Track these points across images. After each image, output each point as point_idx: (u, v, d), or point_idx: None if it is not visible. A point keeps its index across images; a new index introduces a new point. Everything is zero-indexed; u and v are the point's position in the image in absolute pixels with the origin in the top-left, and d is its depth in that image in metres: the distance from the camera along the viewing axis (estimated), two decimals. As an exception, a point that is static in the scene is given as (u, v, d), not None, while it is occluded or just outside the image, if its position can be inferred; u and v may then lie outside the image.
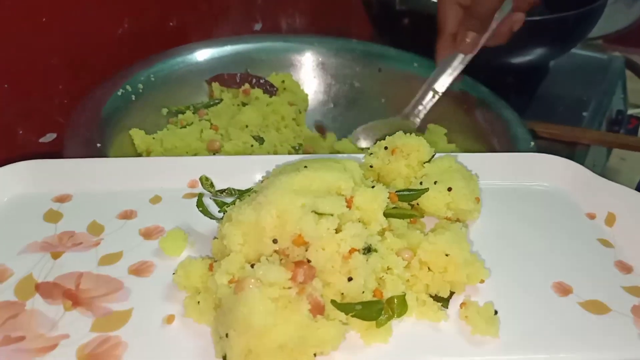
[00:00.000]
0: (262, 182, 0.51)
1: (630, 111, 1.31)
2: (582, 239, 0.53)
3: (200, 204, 0.52)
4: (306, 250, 0.41)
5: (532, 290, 0.47)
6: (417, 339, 0.42)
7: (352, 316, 0.41)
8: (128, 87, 0.81)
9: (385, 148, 0.55)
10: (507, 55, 1.03)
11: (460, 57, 0.81)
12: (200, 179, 0.55)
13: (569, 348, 0.42)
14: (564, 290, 0.47)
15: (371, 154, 0.56)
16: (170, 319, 0.42)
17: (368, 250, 0.43)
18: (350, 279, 0.41)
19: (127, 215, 0.52)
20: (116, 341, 0.40)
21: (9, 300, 0.42)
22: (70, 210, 0.52)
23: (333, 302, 0.41)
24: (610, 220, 0.56)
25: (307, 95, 0.97)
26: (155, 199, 0.54)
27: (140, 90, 0.83)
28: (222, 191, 0.55)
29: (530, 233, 0.53)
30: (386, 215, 0.46)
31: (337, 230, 0.41)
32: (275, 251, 0.42)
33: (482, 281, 0.46)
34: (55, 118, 0.79)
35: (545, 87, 1.05)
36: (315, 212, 0.41)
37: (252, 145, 0.79)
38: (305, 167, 0.47)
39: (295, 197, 0.42)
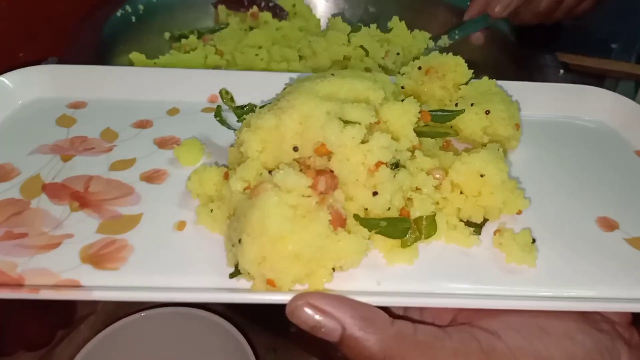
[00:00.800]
0: (285, 89, 0.47)
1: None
2: (630, 175, 0.49)
3: (218, 114, 0.49)
4: (329, 160, 0.38)
5: (574, 224, 0.43)
6: (446, 264, 0.38)
7: (376, 233, 0.37)
8: (128, 8, 0.76)
9: (419, 68, 0.50)
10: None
11: (487, 18, 0.76)
12: (220, 92, 0.52)
13: (613, 284, 0.38)
14: (609, 225, 0.43)
15: (403, 74, 0.51)
16: (181, 225, 0.39)
17: (396, 165, 0.39)
18: (375, 194, 0.37)
19: (143, 124, 0.49)
20: (122, 244, 0.37)
21: (14, 198, 0.40)
22: (84, 117, 0.50)
23: (356, 216, 0.37)
24: None
25: (319, 20, 0.90)
26: (173, 111, 0.51)
27: (141, 12, 0.78)
28: (242, 107, 0.51)
29: (574, 166, 0.49)
30: (417, 133, 0.42)
31: (364, 142, 0.38)
32: (296, 160, 0.39)
33: (519, 212, 0.42)
34: (57, 41, 0.75)
35: (573, 20, 0.98)
36: (341, 120, 0.38)
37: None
38: (333, 75, 0.43)
39: (320, 103, 0.39)
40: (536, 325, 0.34)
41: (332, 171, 0.37)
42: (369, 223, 0.37)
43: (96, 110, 0.51)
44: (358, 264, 0.36)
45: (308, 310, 0.32)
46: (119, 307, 0.72)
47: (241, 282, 0.35)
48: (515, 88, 0.55)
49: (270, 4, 0.86)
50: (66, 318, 0.72)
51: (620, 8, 0.99)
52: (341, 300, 0.32)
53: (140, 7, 0.78)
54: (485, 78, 0.51)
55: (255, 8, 0.85)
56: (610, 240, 0.42)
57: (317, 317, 0.32)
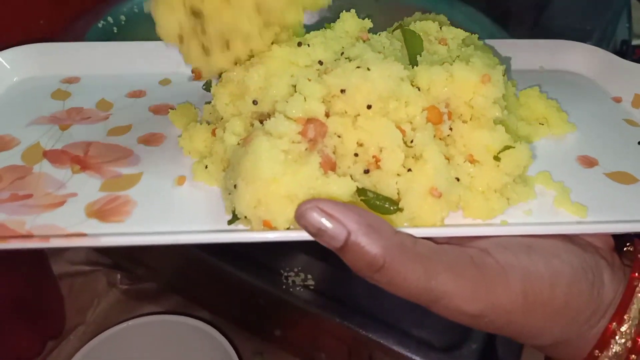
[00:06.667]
0: None
1: (635, 41, 1.22)
2: (607, 119, 0.51)
3: (206, 86, 0.51)
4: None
5: (555, 162, 0.45)
6: None
7: (361, 200, 0.38)
8: (109, 19, 0.76)
9: None
10: (509, -17, 0.98)
11: None
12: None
13: (595, 210, 0.40)
14: (588, 162, 0.45)
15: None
16: (180, 180, 0.41)
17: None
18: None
19: (136, 94, 0.51)
20: (126, 199, 0.39)
21: (16, 165, 0.42)
22: (79, 90, 0.51)
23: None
24: (637, 101, 0.53)
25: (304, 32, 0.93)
26: (165, 81, 0.53)
27: (123, 23, 0.77)
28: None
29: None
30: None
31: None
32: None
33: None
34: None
35: (547, 16, 0.98)
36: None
37: None
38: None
39: (288, 64, 0.40)
40: (524, 244, 0.35)
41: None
42: (359, 190, 0.38)
43: (90, 84, 0.52)
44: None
45: (316, 214, 0.32)
46: (107, 318, 0.75)
47: (239, 228, 0.37)
48: (497, 45, 0.57)
49: None
50: (56, 329, 0.74)
51: (594, 4, 1.01)
52: (349, 207, 0.33)
53: (122, 17, 0.77)
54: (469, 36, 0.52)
55: None
56: (591, 175, 0.44)
57: (324, 220, 0.32)
